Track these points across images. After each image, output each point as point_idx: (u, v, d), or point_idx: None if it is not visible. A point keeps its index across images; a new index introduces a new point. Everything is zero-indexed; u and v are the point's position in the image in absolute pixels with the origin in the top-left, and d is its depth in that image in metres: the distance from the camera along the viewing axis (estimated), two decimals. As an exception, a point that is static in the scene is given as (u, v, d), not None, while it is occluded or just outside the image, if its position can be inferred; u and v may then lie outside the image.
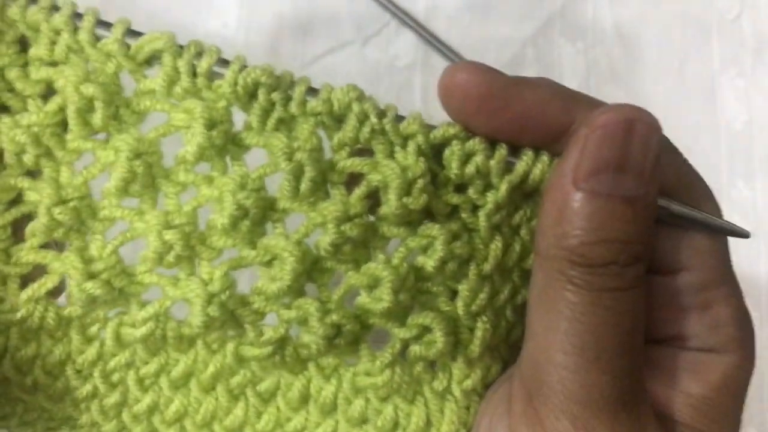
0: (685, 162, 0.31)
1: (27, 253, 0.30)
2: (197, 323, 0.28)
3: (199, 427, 0.32)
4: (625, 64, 0.61)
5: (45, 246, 0.30)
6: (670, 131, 0.61)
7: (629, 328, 0.27)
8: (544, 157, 0.29)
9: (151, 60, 0.29)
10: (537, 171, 0.29)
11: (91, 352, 0.31)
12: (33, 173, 0.30)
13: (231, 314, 0.29)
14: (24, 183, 0.30)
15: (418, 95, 0.58)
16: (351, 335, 0.30)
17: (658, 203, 0.29)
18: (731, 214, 0.61)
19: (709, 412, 0.29)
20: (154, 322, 0.30)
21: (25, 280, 0.31)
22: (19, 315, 0.30)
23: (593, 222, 0.26)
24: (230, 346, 0.31)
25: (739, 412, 0.30)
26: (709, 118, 0.61)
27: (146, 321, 0.29)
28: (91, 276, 0.29)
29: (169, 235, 0.28)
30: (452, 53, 0.60)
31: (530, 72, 0.56)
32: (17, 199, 0.30)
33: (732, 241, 0.59)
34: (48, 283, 0.30)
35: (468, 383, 0.31)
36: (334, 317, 0.29)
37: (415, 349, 0.30)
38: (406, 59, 0.61)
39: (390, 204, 0.28)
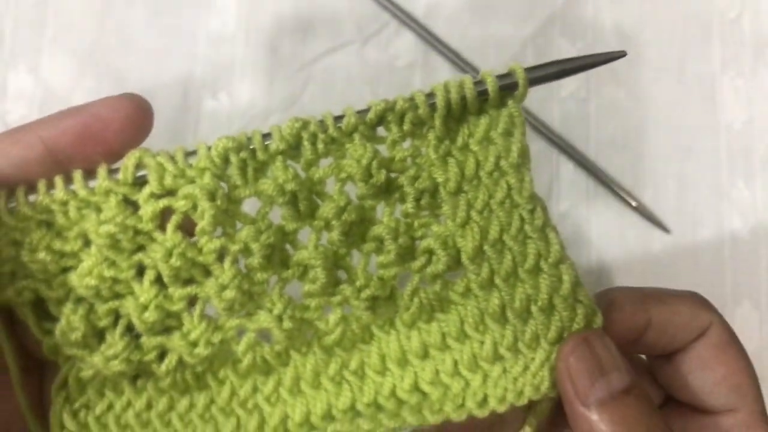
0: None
1: (149, 341, 0.37)
2: (281, 338, 0.37)
3: (322, 418, 0.38)
4: (625, 64, 0.61)
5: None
6: (670, 131, 0.61)
7: None
8: (451, 82, 0.35)
9: (140, 179, 0.35)
10: (453, 95, 0.35)
11: (226, 390, 0.39)
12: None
13: (301, 320, 0.37)
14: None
15: (418, 95, 0.58)
16: (385, 293, 0.37)
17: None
18: (731, 213, 0.61)
19: None
20: (252, 352, 0.38)
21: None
22: (163, 367, 0.38)
23: (618, 424, 0.32)
24: (315, 343, 0.39)
25: None
26: (709, 117, 0.61)
27: (245, 353, 0.38)
28: (194, 344, 0.37)
29: (229, 295, 0.36)
30: (452, 53, 0.60)
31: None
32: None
33: (733, 241, 0.59)
34: (173, 359, 0.38)
35: (479, 279, 0.36)
36: (365, 288, 0.37)
37: (426, 269, 0.37)
38: (406, 59, 0.61)
39: (361, 189, 0.36)
